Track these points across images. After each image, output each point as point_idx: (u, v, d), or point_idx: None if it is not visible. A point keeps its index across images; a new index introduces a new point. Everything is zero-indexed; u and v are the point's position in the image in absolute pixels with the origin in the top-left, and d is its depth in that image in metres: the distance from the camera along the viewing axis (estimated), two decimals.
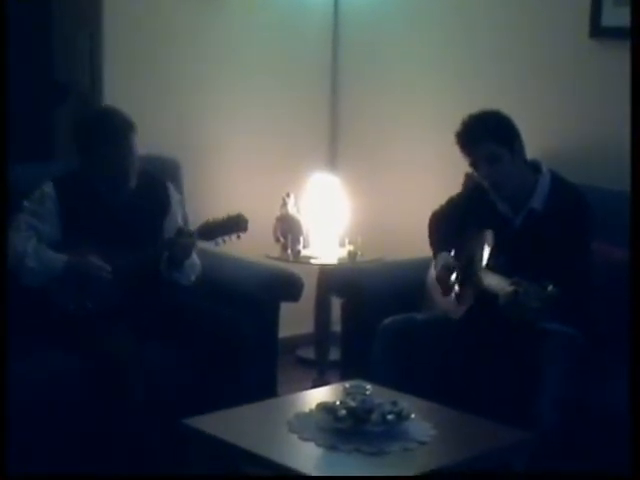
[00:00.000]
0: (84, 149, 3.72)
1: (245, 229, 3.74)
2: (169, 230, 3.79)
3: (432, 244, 3.82)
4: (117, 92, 4.36)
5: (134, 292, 3.63)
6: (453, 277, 3.62)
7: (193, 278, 3.82)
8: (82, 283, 3.58)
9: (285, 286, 4.03)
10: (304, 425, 2.94)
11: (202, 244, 3.79)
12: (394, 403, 2.96)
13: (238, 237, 3.74)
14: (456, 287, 3.62)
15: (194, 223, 3.90)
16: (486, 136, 3.55)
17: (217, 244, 3.73)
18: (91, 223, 3.65)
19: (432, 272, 3.77)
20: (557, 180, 3.62)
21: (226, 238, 3.73)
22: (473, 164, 3.60)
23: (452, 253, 3.66)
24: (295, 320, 4.66)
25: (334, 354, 4.60)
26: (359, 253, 4.68)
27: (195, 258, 3.81)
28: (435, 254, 3.75)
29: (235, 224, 3.72)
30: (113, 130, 3.64)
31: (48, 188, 3.69)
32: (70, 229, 3.66)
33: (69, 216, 3.67)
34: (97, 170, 3.69)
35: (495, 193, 3.63)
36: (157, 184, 3.87)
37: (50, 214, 3.66)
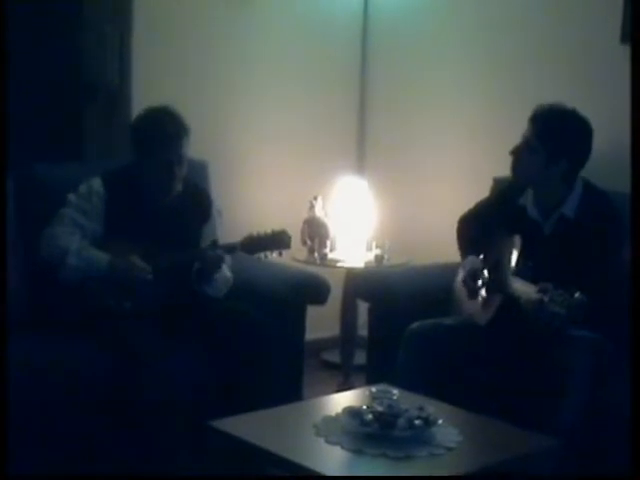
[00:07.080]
0: (141, 148, 3.69)
1: (288, 246, 3.70)
2: (206, 238, 3.78)
3: (460, 248, 3.81)
4: (146, 93, 4.36)
5: (169, 294, 3.63)
6: (479, 282, 3.60)
7: (224, 291, 3.80)
8: (123, 283, 3.57)
9: (311, 289, 4.02)
10: (331, 429, 2.93)
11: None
12: (421, 408, 2.95)
13: (280, 254, 3.71)
14: (482, 292, 3.61)
15: (222, 225, 3.90)
16: (540, 129, 3.53)
17: (259, 258, 3.69)
18: (135, 223, 3.64)
19: (459, 277, 3.76)
20: (589, 188, 3.60)
21: (268, 254, 3.70)
22: None
23: (481, 257, 3.64)
24: (321, 323, 4.66)
25: (359, 358, 4.59)
26: (386, 257, 4.67)
27: (226, 271, 3.78)
28: (463, 258, 3.74)
29: (279, 240, 3.68)
30: (172, 132, 3.63)
31: (96, 184, 3.68)
32: (113, 227, 3.66)
33: (115, 214, 3.66)
34: (151, 170, 3.67)
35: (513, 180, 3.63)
36: (200, 190, 3.88)
37: (96, 211, 3.66)
